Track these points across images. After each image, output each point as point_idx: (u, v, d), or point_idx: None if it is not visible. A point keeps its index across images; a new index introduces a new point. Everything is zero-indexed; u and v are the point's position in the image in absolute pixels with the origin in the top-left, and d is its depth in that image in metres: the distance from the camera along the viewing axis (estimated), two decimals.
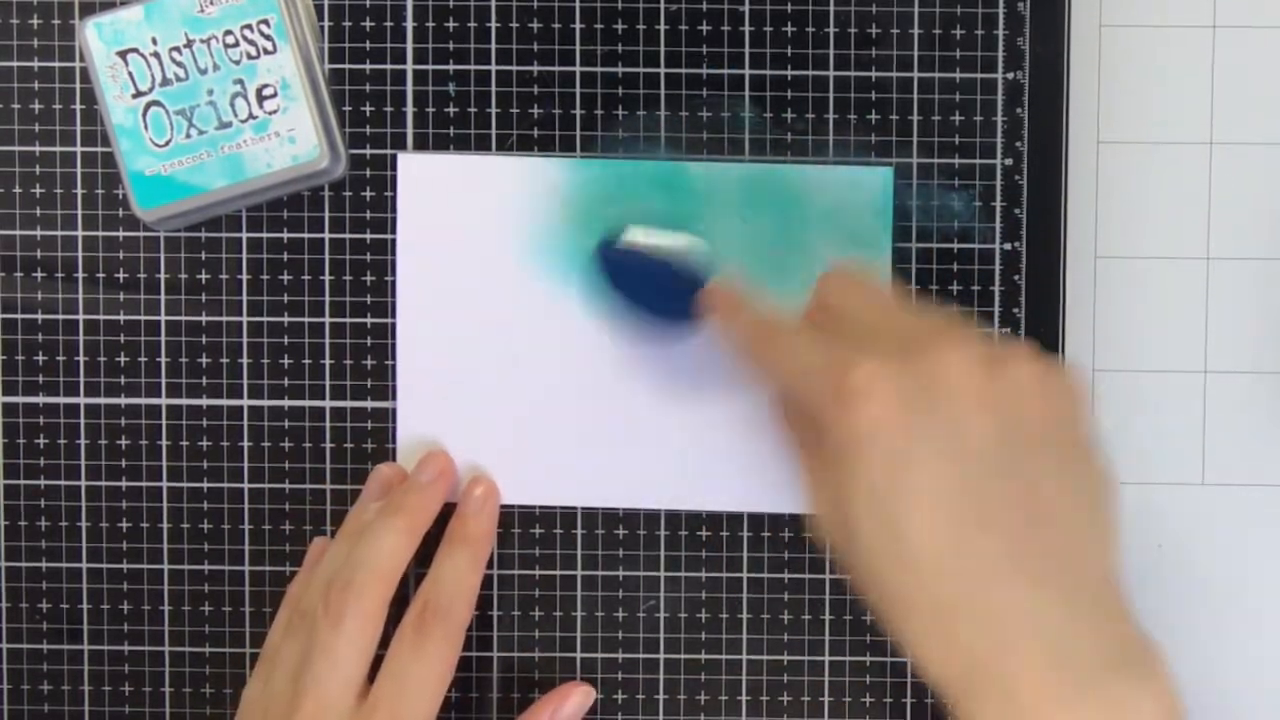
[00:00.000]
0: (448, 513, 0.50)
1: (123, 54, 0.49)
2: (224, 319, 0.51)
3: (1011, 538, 0.38)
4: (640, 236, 0.49)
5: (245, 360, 0.51)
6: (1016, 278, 0.50)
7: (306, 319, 0.51)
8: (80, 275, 0.51)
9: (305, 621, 0.47)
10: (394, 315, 0.51)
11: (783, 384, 0.43)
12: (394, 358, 0.51)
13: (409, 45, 0.51)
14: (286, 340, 0.51)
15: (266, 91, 0.49)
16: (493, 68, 0.51)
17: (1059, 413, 0.40)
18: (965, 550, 0.38)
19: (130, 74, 0.49)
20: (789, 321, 0.44)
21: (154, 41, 0.49)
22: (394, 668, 0.47)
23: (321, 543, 0.50)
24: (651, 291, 0.49)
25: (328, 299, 0.51)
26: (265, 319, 0.51)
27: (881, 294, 0.44)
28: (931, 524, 0.38)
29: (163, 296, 0.51)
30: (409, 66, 0.51)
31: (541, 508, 0.51)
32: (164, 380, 0.51)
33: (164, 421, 0.51)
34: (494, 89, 0.51)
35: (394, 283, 0.51)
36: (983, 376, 0.39)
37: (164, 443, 0.51)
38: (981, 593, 0.38)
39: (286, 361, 0.51)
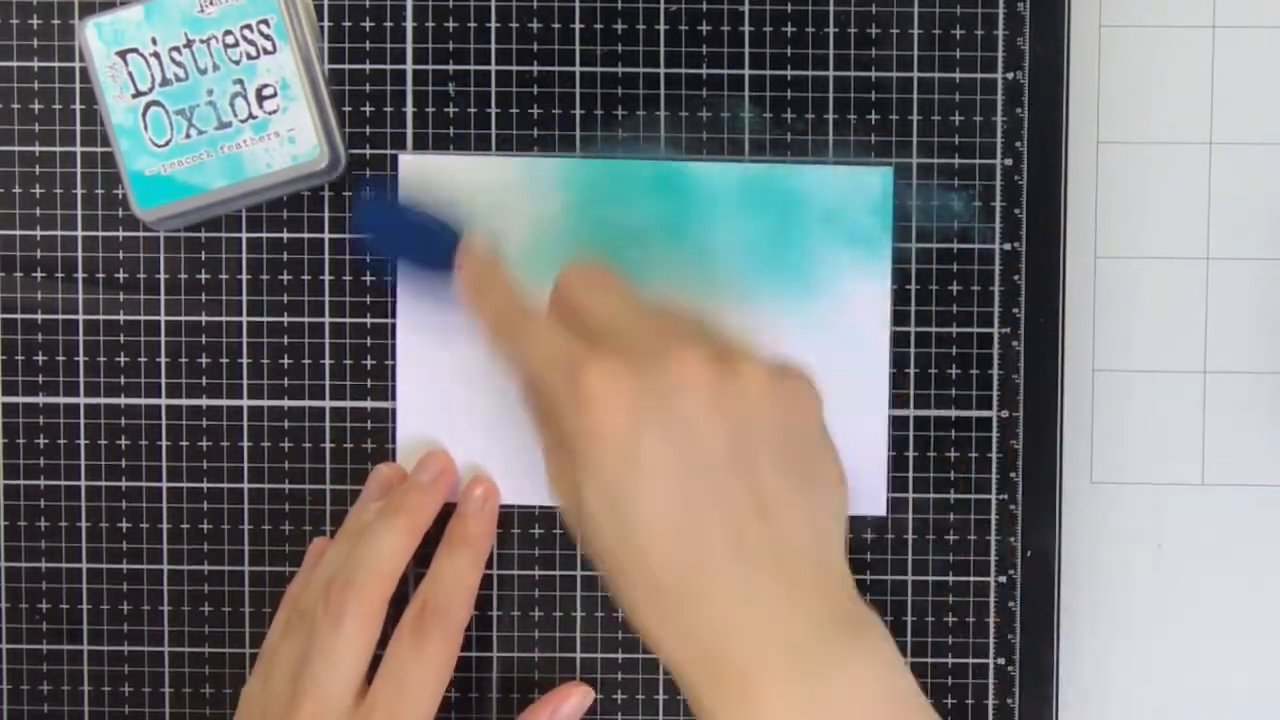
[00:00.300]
0: (448, 513, 0.50)
1: (123, 54, 0.49)
2: (224, 319, 0.51)
3: (732, 530, 0.40)
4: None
5: (245, 360, 0.51)
6: (1016, 278, 0.50)
7: (306, 319, 0.51)
8: (80, 275, 0.51)
9: (304, 621, 0.47)
10: (394, 315, 0.51)
11: (523, 373, 0.44)
12: (394, 358, 0.51)
13: (409, 45, 0.51)
14: (286, 340, 0.51)
15: (266, 91, 0.49)
16: (493, 68, 0.51)
17: (785, 414, 0.42)
18: (688, 542, 0.40)
19: (130, 74, 0.49)
20: (533, 309, 0.45)
21: (154, 41, 0.49)
22: (392, 667, 0.47)
23: (321, 543, 0.50)
24: (411, 245, 0.49)
25: (328, 299, 0.51)
26: (265, 319, 0.51)
27: (621, 290, 0.44)
28: (657, 518, 0.40)
29: (163, 296, 0.51)
30: (409, 66, 0.51)
31: (541, 508, 0.51)
32: (164, 380, 0.51)
33: (164, 421, 0.51)
34: (494, 89, 0.51)
35: (394, 283, 0.51)
36: (713, 380, 0.41)
37: (164, 443, 0.51)
38: (701, 579, 0.40)
39: (286, 361, 0.51)
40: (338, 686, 0.46)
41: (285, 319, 0.51)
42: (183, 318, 0.51)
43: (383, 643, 0.47)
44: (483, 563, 0.50)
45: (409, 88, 0.51)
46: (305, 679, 0.46)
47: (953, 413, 0.51)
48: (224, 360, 0.51)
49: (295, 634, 0.47)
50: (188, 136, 0.49)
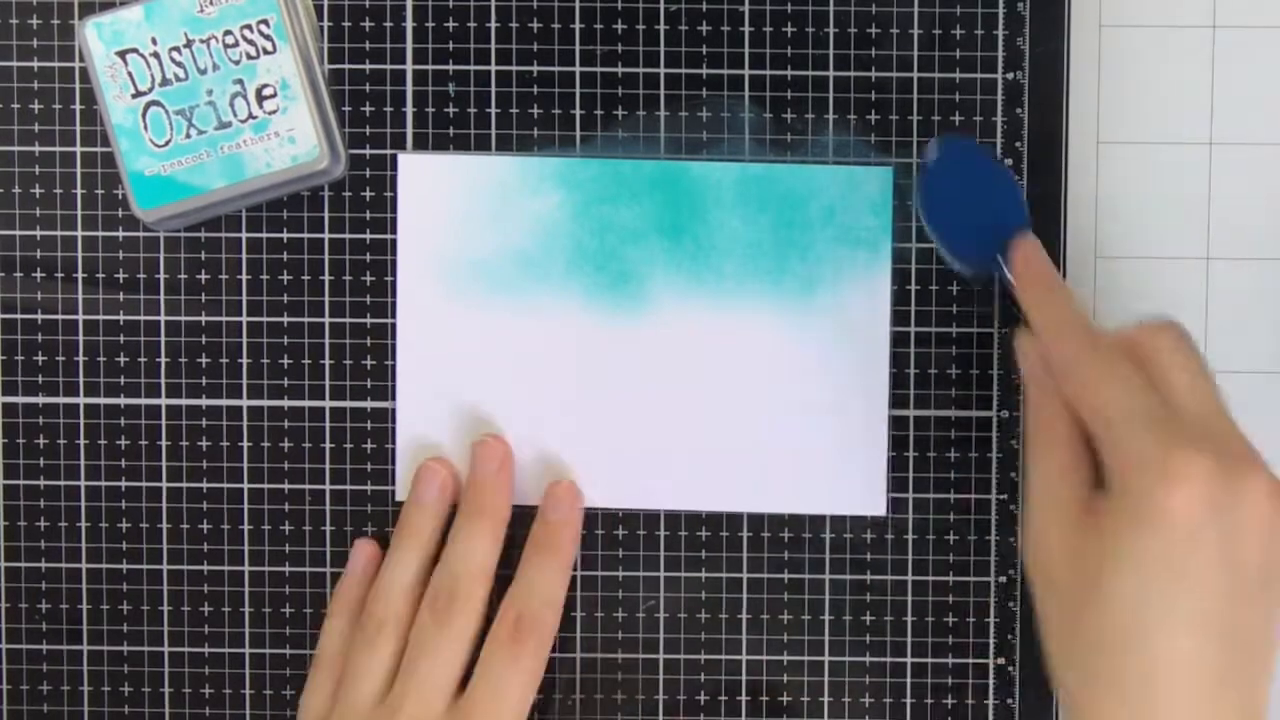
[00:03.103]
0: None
1: (122, 54, 0.49)
2: (224, 319, 0.51)
3: (1237, 659, 0.40)
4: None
5: (245, 360, 0.51)
6: None
7: (306, 319, 0.51)
8: (80, 275, 0.51)
9: (385, 630, 0.48)
10: (394, 315, 0.51)
11: (1090, 413, 0.43)
12: (394, 358, 0.51)
13: (409, 45, 0.51)
14: (286, 340, 0.51)
15: (266, 91, 0.49)
16: (493, 68, 0.51)
17: None
18: (1196, 656, 0.40)
19: (130, 74, 0.49)
20: (1103, 344, 0.44)
21: (154, 41, 0.49)
22: (489, 675, 0.48)
23: (367, 546, 0.50)
24: (964, 216, 0.48)
25: (328, 299, 0.51)
26: (265, 319, 0.51)
27: (1204, 373, 0.44)
28: (1186, 624, 0.40)
29: (163, 296, 0.51)
30: (409, 66, 0.51)
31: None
32: (164, 380, 0.51)
33: (164, 421, 0.51)
34: (494, 89, 0.51)
35: (394, 283, 0.51)
36: (1272, 510, 0.41)
37: (164, 443, 0.51)
38: (1195, 698, 0.40)
39: (286, 361, 0.51)
40: (440, 690, 0.47)
41: (285, 319, 0.51)
42: (183, 318, 0.51)
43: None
44: (570, 570, 0.50)
45: (409, 88, 0.51)
46: (409, 683, 0.47)
47: (953, 413, 0.51)
48: (224, 360, 0.51)
49: (373, 643, 0.48)
50: (188, 136, 0.49)
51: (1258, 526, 0.40)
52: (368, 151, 0.51)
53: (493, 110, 0.51)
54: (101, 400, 0.51)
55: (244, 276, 0.51)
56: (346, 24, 0.51)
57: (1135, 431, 0.41)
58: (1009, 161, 0.50)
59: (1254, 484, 0.41)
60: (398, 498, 0.51)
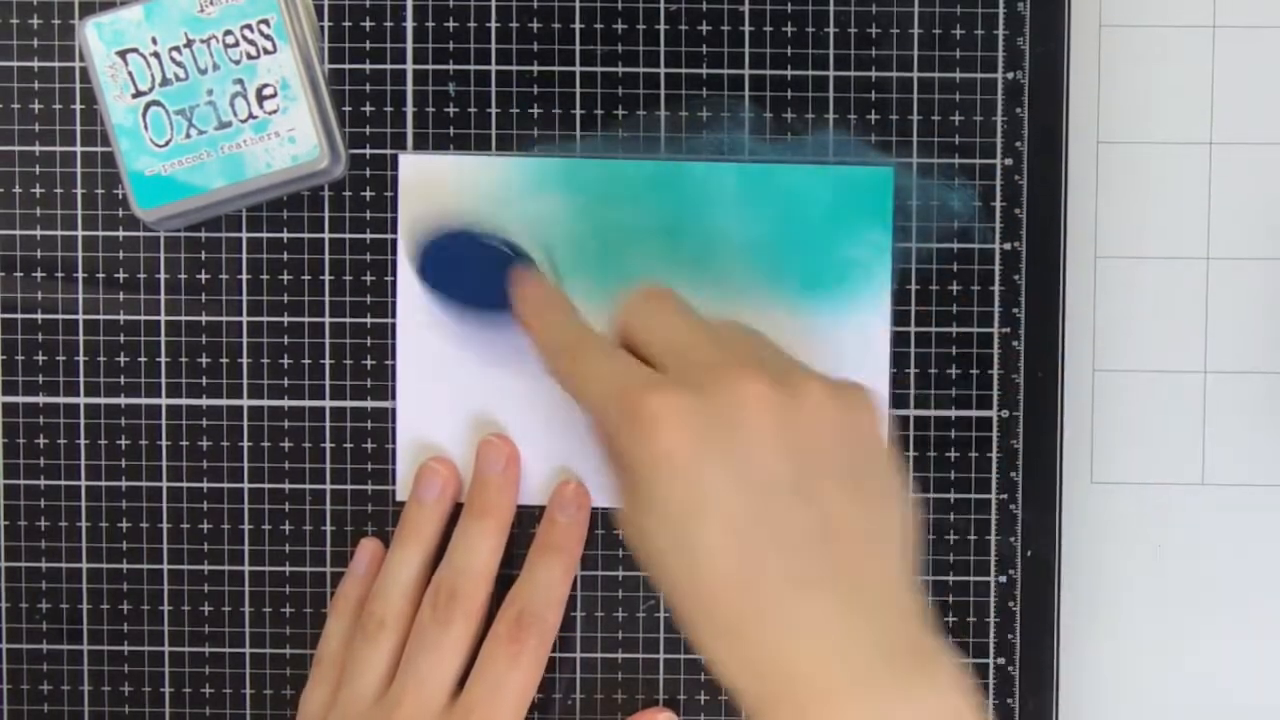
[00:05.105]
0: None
1: (123, 54, 0.49)
2: (224, 319, 0.51)
3: (798, 556, 0.39)
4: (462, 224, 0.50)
5: (245, 360, 0.51)
6: (1016, 278, 0.50)
7: (306, 319, 0.51)
8: (80, 275, 0.51)
9: (386, 628, 0.48)
10: (394, 315, 0.51)
11: (582, 402, 0.44)
12: (394, 358, 0.51)
13: (409, 45, 0.51)
14: (286, 340, 0.51)
15: (266, 91, 0.49)
16: (493, 68, 0.51)
17: (848, 435, 0.41)
18: (754, 569, 0.39)
19: (130, 74, 0.49)
20: (591, 335, 0.45)
21: (154, 41, 0.49)
22: (488, 674, 0.48)
23: (371, 545, 0.50)
24: (468, 278, 0.49)
25: (328, 299, 0.51)
26: (265, 319, 0.51)
27: (680, 312, 0.44)
28: (722, 545, 0.39)
29: (163, 296, 0.51)
30: (409, 66, 0.51)
31: (541, 508, 0.51)
32: (164, 380, 0.51)
33: (164, 421, 0.51)
34: (494, 89, 0.51)
35: (394, 283, 0.51)
36: (777, 407, 0.40)
37: (164, 443, 0.51)
38: (768, 608, 0.39)
39: (286, 361, 0.51)
40: (439, 687, 0.47)
41: (285, 319, 0.51)
42: (183, 318, 0.51)
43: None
44: (574, 570, 0.50)
45: (409, 88, 0.51)
46: (409, 680, 0.47)
47: (953, 413, 0.51)
48: (224, 360, 0.51)
49: (373, 640, 0.48)
50: (188, 136, 0.49)
51: (755, 436, 0.40)
52: (368, 151, 0.51)
53: (493, 110, 0.51)
54: (101, 400, 0.51)
55: (244, 276, 0.51)
56: (346, 24, 0.51)
57: (612, 403, 0.41)
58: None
59: (736, 397, 0.40)
60: (398, 498, 0.51)
